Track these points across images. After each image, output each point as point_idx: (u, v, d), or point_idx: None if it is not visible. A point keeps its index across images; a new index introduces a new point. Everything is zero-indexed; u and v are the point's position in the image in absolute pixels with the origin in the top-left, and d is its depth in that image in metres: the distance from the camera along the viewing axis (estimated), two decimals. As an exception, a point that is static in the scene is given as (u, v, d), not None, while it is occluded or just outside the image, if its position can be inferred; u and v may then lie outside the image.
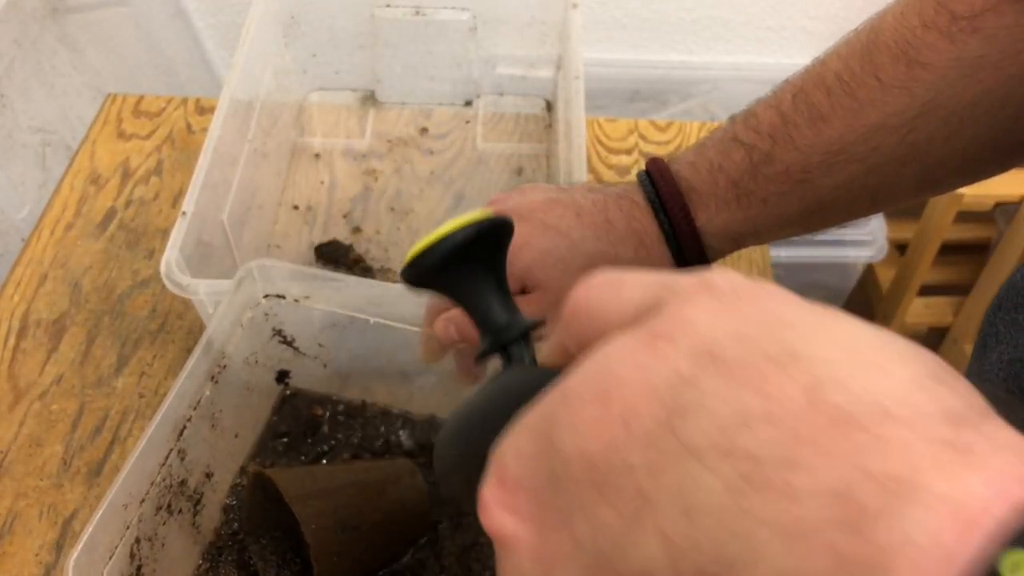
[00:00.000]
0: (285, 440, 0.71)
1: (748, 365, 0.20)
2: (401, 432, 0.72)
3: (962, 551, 0.16)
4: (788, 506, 0.18)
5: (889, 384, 0.19)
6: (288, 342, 0.70)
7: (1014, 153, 0.53)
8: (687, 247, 0.54)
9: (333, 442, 0.71)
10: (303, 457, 0.70)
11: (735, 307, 0.22)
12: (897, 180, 0.53)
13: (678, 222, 0.54)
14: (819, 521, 0.18)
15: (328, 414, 0.72)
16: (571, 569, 0.22)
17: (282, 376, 0.73)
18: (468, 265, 0.37)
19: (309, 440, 0.71)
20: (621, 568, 0.20)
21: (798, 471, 0.18)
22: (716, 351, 0.20)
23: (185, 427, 0.60)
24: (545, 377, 0.26)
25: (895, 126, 0.50)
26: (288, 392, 0.73)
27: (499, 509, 0.24)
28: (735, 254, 0.59)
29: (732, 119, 0.55)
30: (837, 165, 0.52)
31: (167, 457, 0.58)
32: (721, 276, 0.23)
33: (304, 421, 0.72)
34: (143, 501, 0.56)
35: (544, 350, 0.29)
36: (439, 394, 0.72)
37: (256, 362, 0.69)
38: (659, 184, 0.55)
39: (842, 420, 0.18)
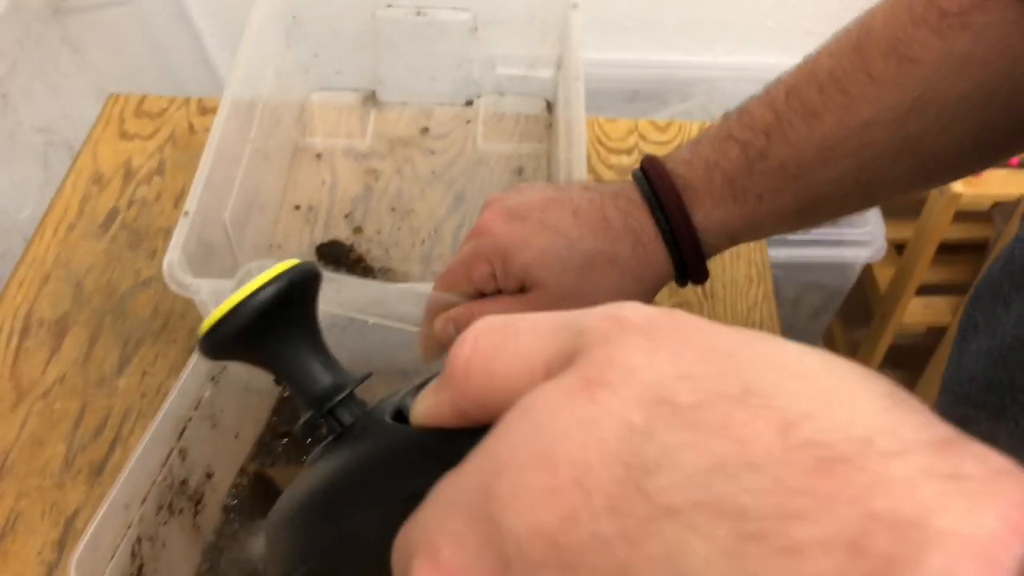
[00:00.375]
0: (285, 441, 0.71)
1: (707, 408, 0.18)
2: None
3: None
4: (796, 563, 0.16)
5: (861, 413, 0.18)
6: (289, 342, 0.71)
7: (1004, 146, 0.54)
8: (684, 244, 0.55)
9: (333, 442, 0.71)
10: (303, 458, 0.70)
11: (664, 343, 0.20)
12: (890, 174, 0.53)
13: (675, 219, 0.55)
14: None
15: (327, 414, 0.73)
16: None
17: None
18: (277, 327, 0.32)
19: (308, 440, 0.71)
20: None
21: (799, 522, 0.17)
22: (666, 396, 0.19)
23: (186, 427, 0.60)
24: (444, 442, 0.23)
25: (887, 121, 0.51)
26: (287, 393, 0.74)
27: None
28: (734, 253, 0.59)
29: (726, 116, 0.56)
30: (831, 161, 0.52)
31: (168, 457, 0.59)
32: (630, 309, 0.21)
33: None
34: (144, 501, 0.57)
35: (423, 411, 0.25)
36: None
37: (257, 362, 0.70)
38: (655, 182, 0.55)
39: (830, 459, 0.17)
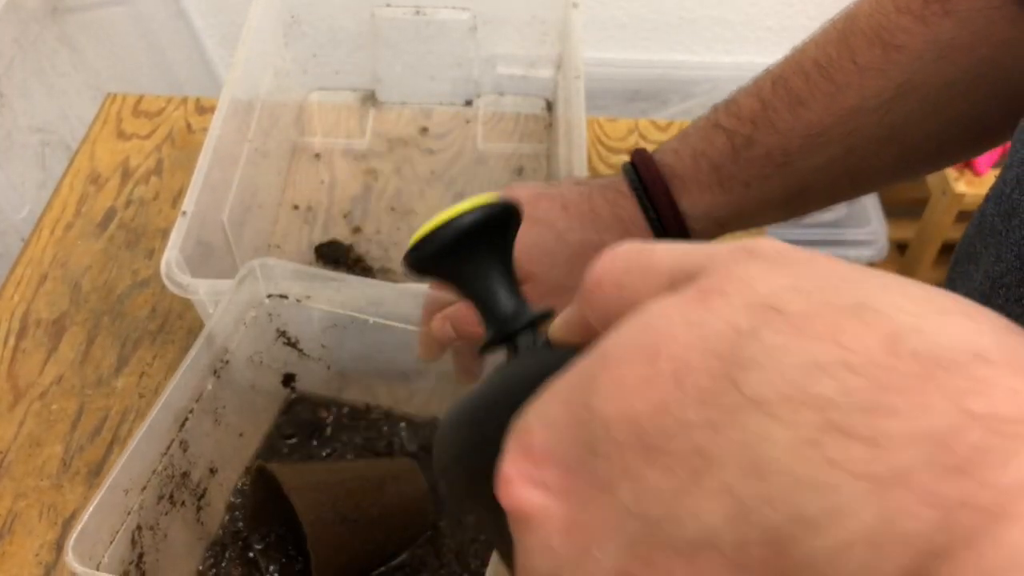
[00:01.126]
0: (290, 442, 0.71)
1: (815, 316, 0.18)
2: (404, 434, 0.72)
3: None
4: (878, 453, 0.16)
5: (973, 331, 0.18)
6: (292, 343, 0.70)
7: (988, 136, 0.54)
8: (672, 231, 0.56)
9: (337, 444, 0.71)
10: (308, 459, 0.70)
11: (786, 266, 0.20)
12: (876, 162, 0.54)
13: (662, 207, 0.55)
14: (917, 467, 0.16)
15: (332, 417, 0.73)
16: (612, 542, 0.20)
17: (288, 380, 0.73)
18: (474, 251, 0.35)
19: (314, 442, 0.71)
20: (674, 536, 0.18)
21: (888, 417, 0.16)
22: (777, 304, 0.19)
23: (187, 418, 0.60)
24: (567, 356, 0.23)
25: (872, 108, 0.51)
26: (294, 396, 0.73)
27: (524, 482, 0.22)
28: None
29: (714, 107, 0.57)
30: (817, 148, 0.53)
31: (169, 447, 0.59)
32: (764, 241, 0.22)
33: (309, 424, 0.72)
34: (144, 488, 0.57)
35: (558, 326, 0.27)
36: (439, 394, 0.72)
37: (261, 362, 0.69)
38: (643, 171, 0.56)
39: (933, 365, 0.17)
